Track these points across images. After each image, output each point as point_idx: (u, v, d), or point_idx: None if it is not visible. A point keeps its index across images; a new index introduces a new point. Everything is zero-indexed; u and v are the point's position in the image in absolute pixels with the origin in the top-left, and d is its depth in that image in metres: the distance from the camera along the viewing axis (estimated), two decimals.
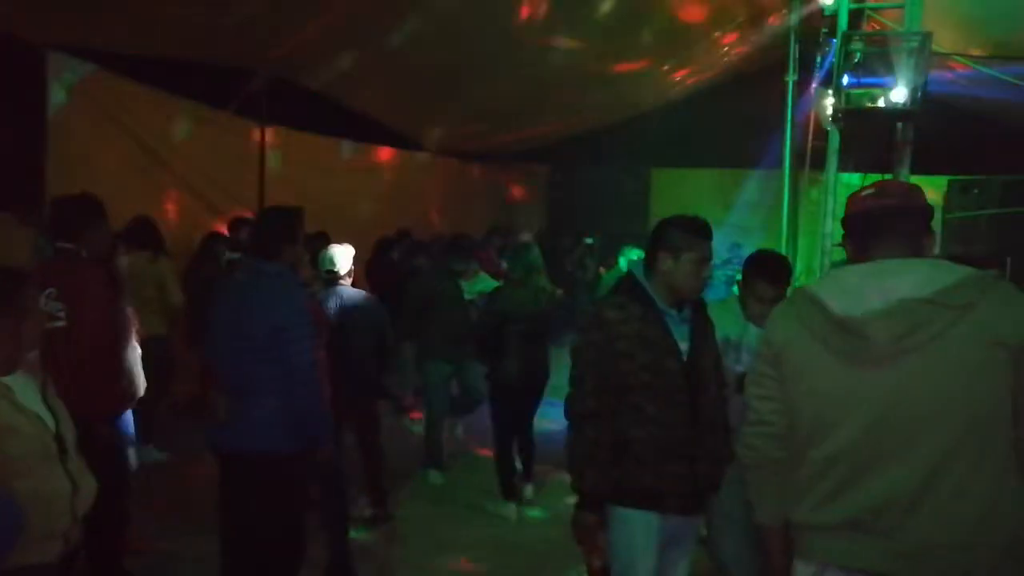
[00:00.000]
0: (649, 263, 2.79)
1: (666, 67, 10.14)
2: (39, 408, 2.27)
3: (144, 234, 5.77)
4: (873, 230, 1.98)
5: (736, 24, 8.99)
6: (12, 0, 4.85)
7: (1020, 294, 1.89)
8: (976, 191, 9.22)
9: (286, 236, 3.39)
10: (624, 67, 9.55)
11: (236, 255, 6.06)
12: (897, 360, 1.82)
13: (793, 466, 2.03)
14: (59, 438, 2.27)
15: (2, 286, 2.24)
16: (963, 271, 1.87)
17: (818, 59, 6.94)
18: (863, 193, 2.07)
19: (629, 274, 2.87)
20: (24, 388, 2.26)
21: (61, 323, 3.40)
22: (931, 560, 1.82)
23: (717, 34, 9.33)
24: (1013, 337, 1.78)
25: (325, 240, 6.41)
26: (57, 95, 5.71)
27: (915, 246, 1.96)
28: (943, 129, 7.56)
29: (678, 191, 11.81)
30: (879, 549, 1.86)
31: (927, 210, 2.03)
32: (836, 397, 1.91)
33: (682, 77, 10.83)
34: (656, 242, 2.78)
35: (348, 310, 4.66)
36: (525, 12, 7.29)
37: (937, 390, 1.81)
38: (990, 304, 1.81)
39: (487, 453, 5.90)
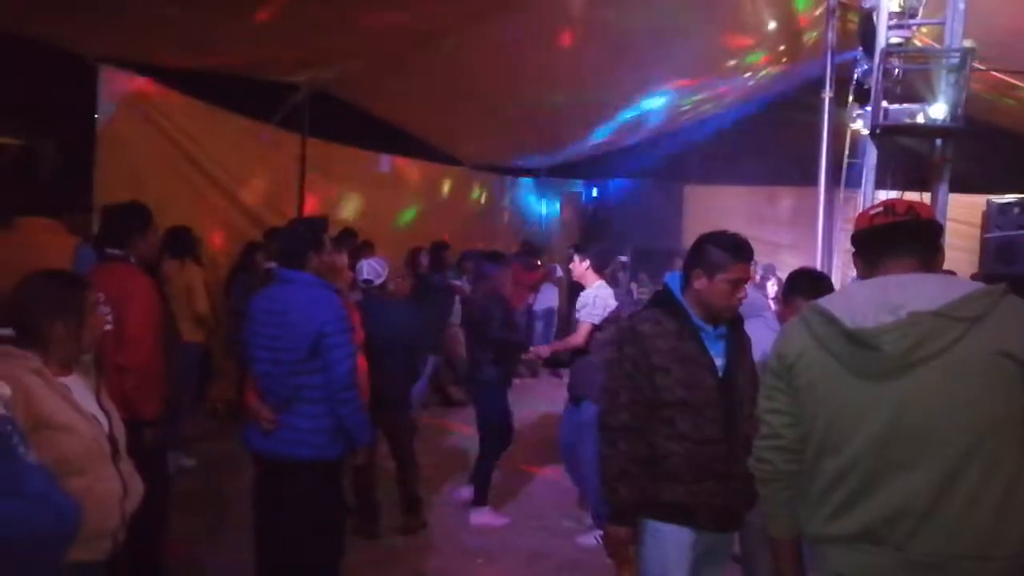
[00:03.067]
0: (685, 279, 2.79)
1: (700, 93, 10.15)
2: (94, 409, 2.34)
3: (178, 242, 5.93)
4: (883, 246, 2.03)
5: (773, 48, 8.98)
6: (66, 15, 5.00)
7: None
8: (1016, 210, 9.08)
9: (313, 245, 3.45)
10: (658, 87, 9.57)
11: (274, 264, 6.18)
12: (908, 372, 1.85)
13: (806, 478, 2.05)
14: (112, 439, 2.34)
15: (64, 291, 2.33)
16: (972, 285, 1.91)
17: (855, 75, 6.89)
18: (872, 211, 2.11)
19: (665, 288, 2.85)
20: (80, 389, 2.33)
21: (108, 327, 3.49)
22: (945, 571, 1.83)
23: (753, 57, 9.32)
24: (1022, 350, 1.81)
25: (370, 249, 6.52)
26: (107, 107, 5.87)
27: (925, 261, 1.99)
28: (983, 147, 7.47)
29: (712, 208, 11.75)
30: (893, 560, 1.87)
31: (936, 226, 2.08)
32: (848, 409, 1.93)
33: (717, 97, 10.81)
34: (693, 258, 2.77)
35: (382, 319, 4.71)
36: (560, 33, 7.35)
37: (947, 402, 1.83)
38: (999, 317, 1.84)
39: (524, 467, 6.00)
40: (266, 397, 3.40)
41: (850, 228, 2.17)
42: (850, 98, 7.11)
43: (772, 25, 8.40)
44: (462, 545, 4.89)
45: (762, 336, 3.07)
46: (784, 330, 2.18)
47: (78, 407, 2.27)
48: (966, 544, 1.81)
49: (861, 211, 2.18)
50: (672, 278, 2.86)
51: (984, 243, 9.43)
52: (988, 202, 9.46)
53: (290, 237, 3.59)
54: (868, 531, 1.89)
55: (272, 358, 3.36)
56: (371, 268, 4.92)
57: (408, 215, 10.34)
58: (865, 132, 6.04)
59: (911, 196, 5.23)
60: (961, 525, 1.82)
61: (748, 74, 10.06)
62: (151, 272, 4.11)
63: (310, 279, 3.40)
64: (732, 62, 9.31)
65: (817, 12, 8.10)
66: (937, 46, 5.77)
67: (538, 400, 8.36)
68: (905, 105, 5.48)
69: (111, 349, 3.46)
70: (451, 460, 6.33)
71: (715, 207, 11.69)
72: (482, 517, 5.22)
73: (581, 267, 5.08)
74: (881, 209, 2.09)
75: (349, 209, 9.03)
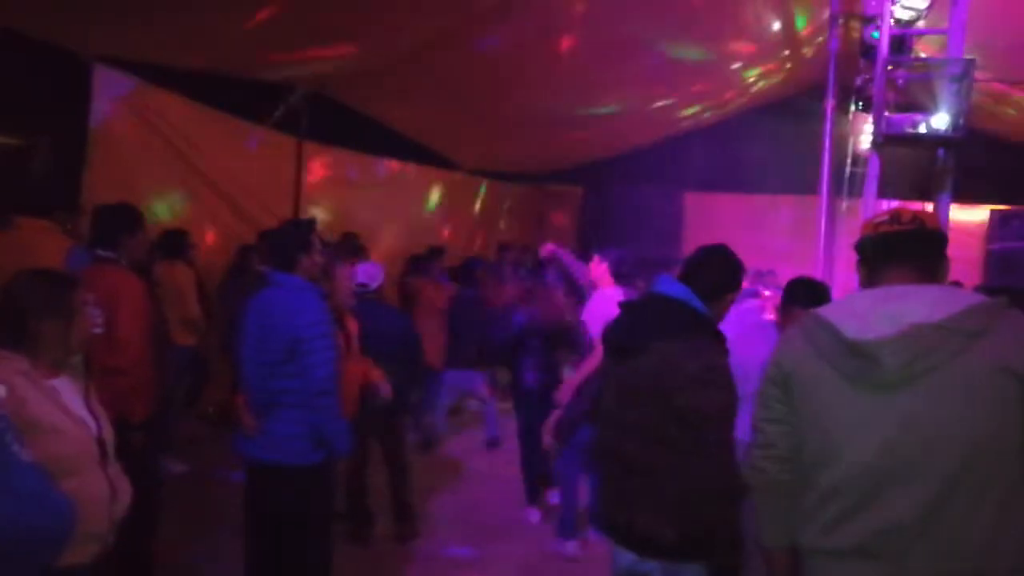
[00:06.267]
0: (716, 297, 2.63)
1: (700, 103, 10.14)
2: (82, 412, 2.30)
3: (169, 244, 5.89)
4: (886, 255, 2.00)
5: (775, 55, 8.97)
6: (60, 12, 4.96)
7: None
8: (1018, 221, 9.07)
9: (303, 248, 3.42)
10: (659, 93, 9.56)
11: (267, 268, 6.13)
12: (907, 385, 1.82)
13: (800, 489, 2.03)
14: (100, 442, 2.30)
15: (53, 290, 2.29)
16: (974, 298, 1.88)
17: (857, 84, 6.87)
18: (876, 219, 2.09)
19: (689, 305, 2.58)
20: (69, 391, 2.30)
21: (99, 330, 3.44)
22: None
23: (754, 68, 9.31)
24: (1022, 366, 1.78)
25: (363, 254, 6.47)
26: (101, 107, 5.81)
27: (928, 272, 1.97)
28: (985, 158, 7.44)
29: (713, 215, 11.72)
30: (887, 574, 1.85)
31: (941, 237, 2.05)
32: (846, 421, 1.91)
33: (717, 104, 10.81)
34: (731, 279, 2.68)
35: (377, 325, 4.67)
36: (562, 41, 7.33)
37: (946, 415, 1.80)
38: (1001, 332, 1.81)
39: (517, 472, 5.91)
40: (250, 401, 3.37)
41: (852, 238, 2.12)
42: (852, 107, 7.09)
43: (775, 32, 8.39)
44: (452, 556, 4.84)
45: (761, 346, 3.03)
46: (783, 339, 2.16)
47: (66, 410, 2.24)
48: (960, 560, 1.80)
49: (866, 219, 2.14)
50: (679, 288, 2.61)
51: (986, 254, 9.42)
52: (990, 213, 9.45)
53: (279, 240, 3.56)
54: (862, 545, 1.87)
55: (257, 362, 3.34)
56: (366, 272, 4.87)
57: (405, 219, 10.28)
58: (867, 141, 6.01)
59: (913, 206, 5.21)
60: (955, 541, 1.80)
61: (750, 80, 10.05)
62: (142, 274, 4.07)
63: (298, 282, 3.37)
64: (734, 67, 9.30)
65: (820, 21, 8.10)
66: (939, 56, 5.75)
67: None
68: (907, 115, 5.46)
69: (101, 351, 3.42)
70: (445, 469, 6.27)
71: (716, 215, 11.67)
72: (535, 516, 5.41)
73: (600, 268, 5.01)
74: (887, 217, 2.07)
75: (345, 213, 8.98)
